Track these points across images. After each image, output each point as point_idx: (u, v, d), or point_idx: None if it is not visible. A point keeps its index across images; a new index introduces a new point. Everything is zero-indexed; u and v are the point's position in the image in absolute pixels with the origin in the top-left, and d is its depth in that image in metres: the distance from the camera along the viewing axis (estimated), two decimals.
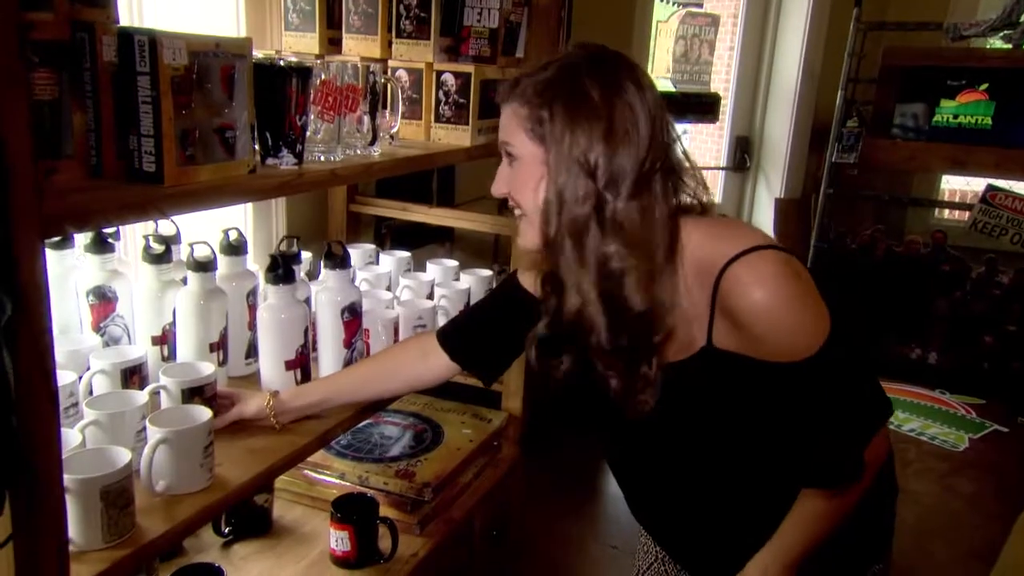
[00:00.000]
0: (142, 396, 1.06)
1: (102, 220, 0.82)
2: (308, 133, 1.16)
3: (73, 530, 0.83)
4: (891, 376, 3.69)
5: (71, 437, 0.94)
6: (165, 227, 1.40)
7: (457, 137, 1.54)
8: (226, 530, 1.54)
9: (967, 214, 3.84)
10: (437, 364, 1.22)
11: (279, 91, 1.07)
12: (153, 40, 0.85)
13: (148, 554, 0.91)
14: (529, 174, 0.90)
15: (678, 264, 0.89)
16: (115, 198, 0.82)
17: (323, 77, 1.19)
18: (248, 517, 1.56)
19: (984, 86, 3.55)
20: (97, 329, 1.23)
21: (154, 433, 0.98)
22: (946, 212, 4.78)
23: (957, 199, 4.74)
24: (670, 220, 0.89)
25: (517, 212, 0.95)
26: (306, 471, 1.66)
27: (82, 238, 1.25)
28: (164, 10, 1.57)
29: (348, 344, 1.30)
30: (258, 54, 1.06)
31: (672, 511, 1.08)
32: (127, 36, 0.85)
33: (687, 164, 0.93)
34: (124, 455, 0.92)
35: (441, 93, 1.54)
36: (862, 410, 0.92)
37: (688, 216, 0.91)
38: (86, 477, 0.86)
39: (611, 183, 0.85)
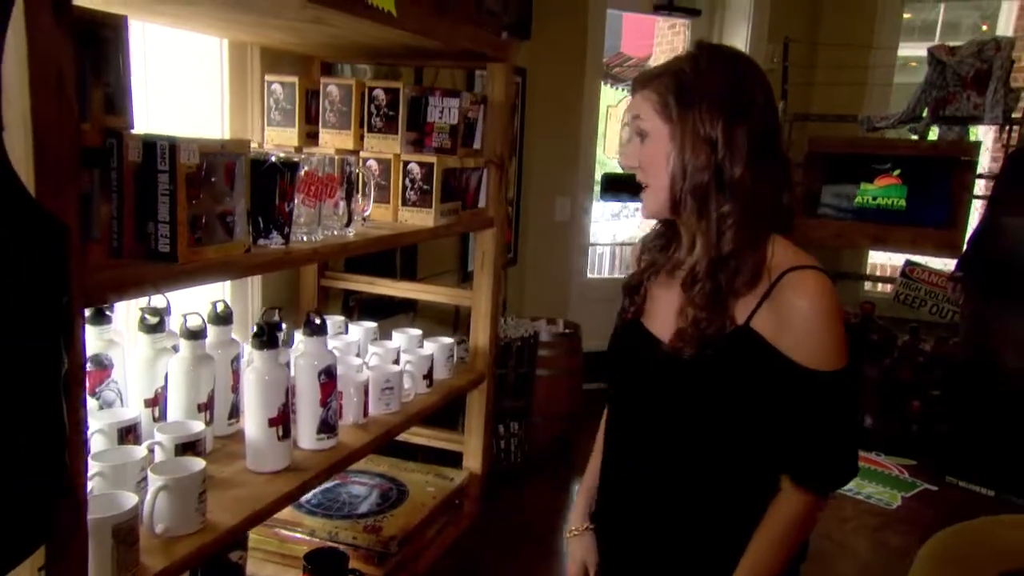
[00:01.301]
0: (141, 450, 1.19)
1: (135, 291, 0.97)
2: (293, 217, 1.33)
3: (88, 565, 0.94)
4: None
5: None
6: (156, 301, 1.53)
7: (422, 219, 1.73)
8: None
9: (891, 287, 4.15)
10: None
11: (270, 182, 1.25)
12: (173, 145, 1.02)
13: None
14: (658, 148, 1.09)
15: (767, 247, 1.07)
16: (143, 273, 0.98)
17: (306, 169, 1.37)
18: (223, 574, 1.64)
19: (897, 172, 3.93)
20: (93, 393, 1.35)
21: (155, 480, 1.10)
22: (876, 285, 5.13)
23: (886, 273, 5.09)
24: (775, 194, 1.08)
25: (644, 185, 1.14)
26: (277, 529, 1.76)
27: None
28: (155, 103, 1.74)
29: (324, 403, 1.44)
30: None
31: (657, 497, 1.17)
32: (151, 142, 1.03)
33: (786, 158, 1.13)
34: (131, 498, 1.05)
35: (407, 180, 1.74)
36: (855, 435, 1.12)
37: (775, 234, 1.10)
38: (101, 516, 0.98)
39: (728, 155, 1.04)
